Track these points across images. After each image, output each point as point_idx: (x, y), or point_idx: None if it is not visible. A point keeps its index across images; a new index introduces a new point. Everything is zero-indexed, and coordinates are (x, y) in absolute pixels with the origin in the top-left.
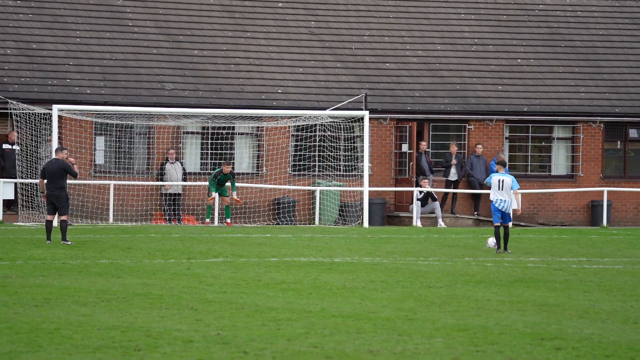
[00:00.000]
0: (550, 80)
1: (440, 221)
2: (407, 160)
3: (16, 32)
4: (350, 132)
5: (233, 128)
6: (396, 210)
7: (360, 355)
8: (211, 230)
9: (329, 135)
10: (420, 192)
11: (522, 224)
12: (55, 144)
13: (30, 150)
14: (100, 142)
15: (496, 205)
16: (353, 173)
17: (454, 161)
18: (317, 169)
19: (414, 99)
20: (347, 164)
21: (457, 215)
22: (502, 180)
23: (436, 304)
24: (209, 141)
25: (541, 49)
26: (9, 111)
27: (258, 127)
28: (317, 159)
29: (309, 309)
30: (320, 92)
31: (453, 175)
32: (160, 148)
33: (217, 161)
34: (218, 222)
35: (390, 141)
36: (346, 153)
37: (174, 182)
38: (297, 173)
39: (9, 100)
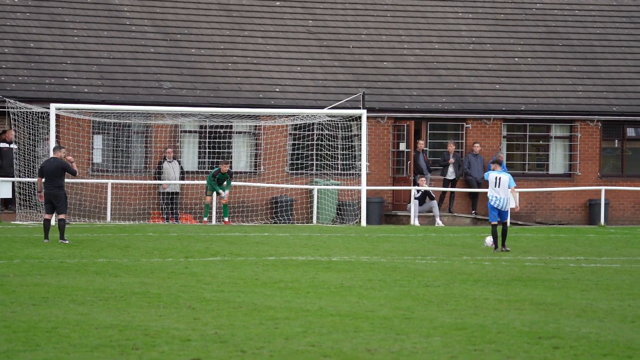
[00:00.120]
0: (548, 79)
1: (437, 220)
2: (404, 159)
3: (14, 30)
4: (348, 131)
5: (231, 127)
6: (394, 209)
7: (358, 354)
8: (209, 229)
9: (326, 134)
10: (418, 190)
11: (519, 222)
12: (52, 142)
13: (27, 148)
14: (97, 140)
15: (492, 203)
16: (351, 172)
17: (451, 160)
18: (314, 167)
19: (411, 98)
20: (344, 162)
21: (455, 214)
22: (499, 178)
23: (434, 303)
24: (207, 140)
25: (539, 48)
26: (6, 110)
27: (256, 126)
28: (314, 157)
29: (306, 308)
30: (318, 90)
31: (451, 174)
32: (158, 147)
33: (215, 160)
34: (216, 221)
35: (388, 140)
36: (344, 152)
37: (171, 181)
38: (294, 172)
39: (7, 99)
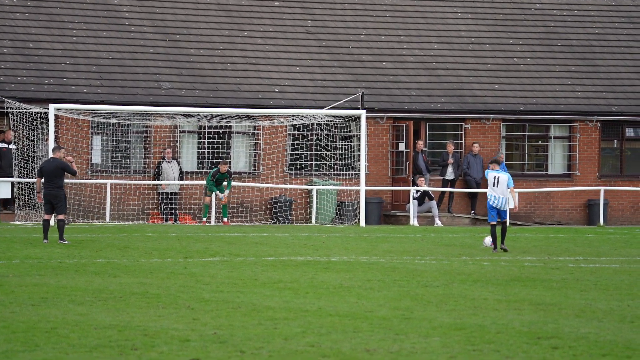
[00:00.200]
0: (547, 79)
1: (437, 220)
2: (403, 159)
3: (12, 31)
4: (347, 131)
5: (230, 127)
6: (393, 209)
7: (357, 355)
8: (208, 230)
9: (325, 134)
10: (417, 191)
11: (518, 223)
12: (52, 143)
13: (26, 149)
14: (96, 141)
15: (491, 202)
16: (350, 172)
17: (450, 160)
18: (313, 168)
19: (410, 98)
20: (343, 163)
21: (454, 214)
22: (497, 178)
23: (433, 303)
24: (206, 140)
25: (538, 48)
26: (5, 110)
27: (255, 126)
28: (313, 158)
29: (305, 308)
30: (317, 91)
31: (450, 174)
32: (157, 147)
33: (214, 160)
34: (215, 221)
35: (387, 140)
36: (343, 152)
37: (170, 182)
38: (293, 172)
39: (6, 99)
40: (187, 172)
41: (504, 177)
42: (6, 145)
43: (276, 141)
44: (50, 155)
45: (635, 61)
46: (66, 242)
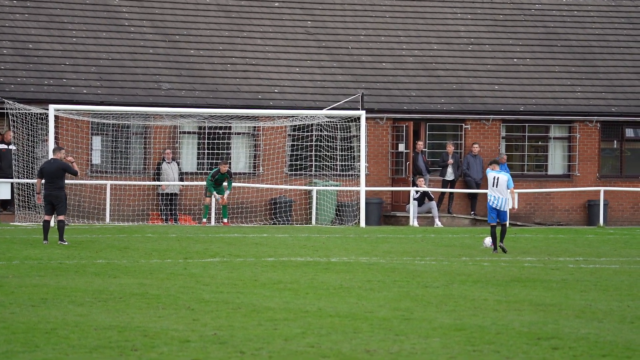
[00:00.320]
0: (547, 79)
1: (437, 221)
2: (403, 160)
3: (12, 32)
4: (347, 132)
5: (229, 128)
6: (393, 210)
7: (357, 355)
8: (208, 230)
9: (325, 135)
10: (417, 191)
11: (518, 223)
12: (51, 143)
13: (26, 150)
14: (96, 142)
15: (490, 202)
16: (350, 173)
17: (450, 161)
18: (313, 168)
19: (410, 99)
20: (343, 163)
21: (454, 215)
22: (497, 178)
23: (433, 304)
24: (206, 141)
25: (537, 49)
26: (5, 111)
27: (254, 127)
28: (313, 158)
29: (305, 309)
30: (317, 91)
31: (450, 174)
32: (157, 148)
33: (214, 161)
34: (215, 222)
35: (387, 141)
36: (343, 153)
37: (170, 182)
38: (293, 173)
39: (5, 100)
40: (187, 173)
41: (504, 177)
42: (6, 146)
43: (276, 142)
44: (51, 156)
45: (635, 62)
46: (66, 243)
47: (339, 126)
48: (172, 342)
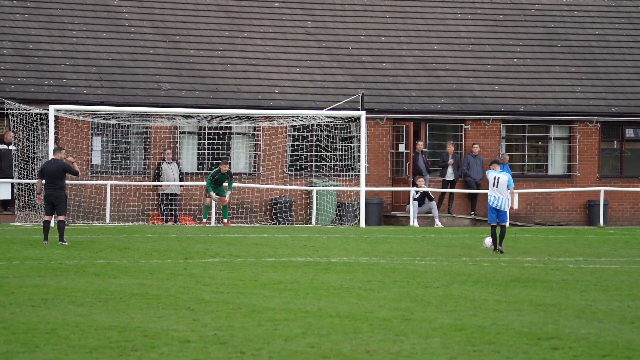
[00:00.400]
0: (547, 79)
1: (437, 221)
2: (403, 160)
3: (12, 32)
4: (347, 132)
5: (230, 128)
6: (393, 210)
7: (357, 356)
8: (208, 231)
9: (325, 135)
10: (417, 191)
11: (518, 223)
12: (51, 144)
13: (26, 150)
14: (96, 142)
15: (490, 202)
16: (350, 173)
17: (450, 161)
18: (314, 169)
19: (410, 99)
20: (343, 164)
21: (454, 215)
22: (498, 178)
23: (433, 304)
24: (206, 141)
25: (538, 49)
26: (5, 111)
27: (255, 127)
28: (314, 159)
29: (305, 309)
30: (317, 92)
31: (450, 175)
32: (157, 148)
33: (214, 161)
34: (215, 222)
35: (387, 141)
36: (343, 153)
37: (170, 183)
38: (294, 173)
39: (6, 101)
40: (187, 173)
41: (505, 177)
42: (6, 147)
43: (276, 142)
44: (51, 156)
45: (635, 62)
46: (66, 243)
47: (339, 126)
48: (172, 343)
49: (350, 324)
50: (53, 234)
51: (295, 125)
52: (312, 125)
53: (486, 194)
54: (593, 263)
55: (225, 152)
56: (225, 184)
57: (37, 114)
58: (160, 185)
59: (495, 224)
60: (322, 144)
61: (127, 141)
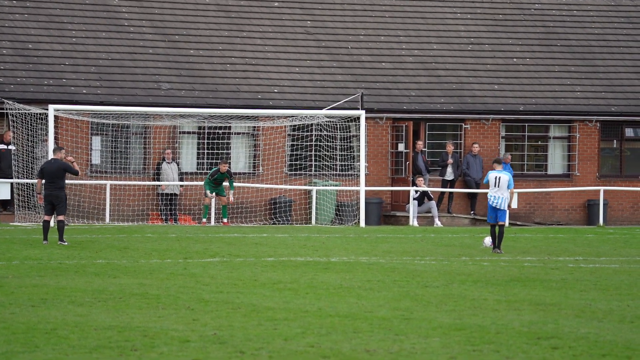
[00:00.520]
0: (546, 79)
1: (436, 220)
2: (403, 159)
3: (12, 32)
4: (347, 132)
5: (229, 128)
6: (393, 209)
7: (357, 355)
8: (208, 230)
9: (325, 134)
10: (417, 191)
11: (518, 223)
12: (51, 144)
13: (26, 150)
14: (96, 142)
15: (490, 201)
16: (349, 173)
17: (450, 160)
18: (313, 168)
19: (410, 99)
20: (343, 163)
21: (454, 215)
22: (499, 178)
23: (433, 304)
24: (205, 141)
25: (537, 48)
26: (5, 111)
27: (254, 127)
28: (313, 158)
29: (305, 309)
30: (317, 91)
31: (449, 174)
32: (157, 148)
33: (214, 161)
34: (215, 222)
35: (387, 141)
36: (342, 153)
37: (170, 182)
38: (293, 173)
39: (5, 100)
40: (186, 173)
41: (505, 177)
42: (5, 146)
43: (276, 142)
44: (51, 156)
45: (634, 61)
46: (66, 243)
47: (338, 126)
48: (172, 342)
49: (349, 324)
50: (53, 234)
51: (295, 125)
52: (311, 124)
53: (485, 194)
54: (593, 262)
55: (224, 151)
56: (226, 183)
57: (37, 113)
58: (159, 185)
59: (494, 223)
60: (321, 143)
61: (126, 141)
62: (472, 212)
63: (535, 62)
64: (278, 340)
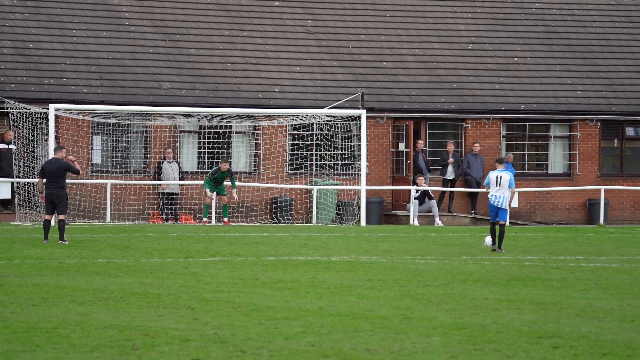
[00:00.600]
0: (547, 78)
1: (437, 220)
2: (404, 159)
3: (12, 31)
4: (347, 131)
5: (230, 127)
6: (393, 209)
7: (358, 354)
8: (208, 229)
9: (326, 134)
10: (417, 190)
11: (519, 222)
12: (52, 143)
13: (26, 149)
14: (97, 141)
15: (491, 201)
16: (350, 172)
17: (450, 160)
18: (314, 167)
19: (410, 98)
20: (344, 162)
21: (454, 214)
22: (500, 177)
23: (433, 303)
24: (206, 140)
25: (538, 47)
26: (5, 110)
27: (255, 126)
28: (314, 157)
29: (306, 308)
30: (317, 90)
31: (450, 173)
32: (157, 147)
33: (214, 160)
34: (215, 221)
35: (387, 140)
36: (343, 152)
37: (170, 182)
38: (294, 172)
39: (6, 100)
40: (187, 172)
41: (506, 176)
42: (6, 146)
43: (276, 141)
44: (52, 155)
45: (635, 60)
46: (66, 242)
47: (339, 125)
48: (172, 341)
49: (350, 323)
50: (53, 233)
51: (296, 124)
52: (312, 124)
53: (486, 193)
54: (593, 262)
55: (225, 151)
56: (227, 182)
57: (37, 113)
58: (160, 184)
59: (495, 222)
60: (322, 142)
61: (127, 140)
62: (472, 211)
63: (536, 62)
64: (279, 339)
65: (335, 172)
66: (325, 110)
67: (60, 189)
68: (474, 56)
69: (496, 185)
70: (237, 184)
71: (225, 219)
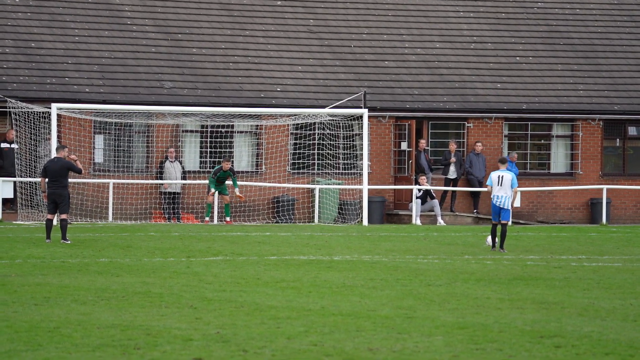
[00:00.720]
0: (549, 78)
1: (439, 219)
2: (406, 158)
3: (15, 30)
4: (350, 130)
5: (232, 126)
6: (395, 208)
7: (360, 354)
8: (211, 229)
9: (328, 133)
10: (419, 190)
11: (521, 221)
12: (54, 142)
13: (29, 148)
14: (99, 140)
15: (493, 200)
16: (352, 171)
17: (453, 159)
18: (316, 167)
19: (413, 97)
20: (346, 162)
21: (456, 213)
22: (502, 177)
23: (436, 302)
24: (208, 140)
25: (540, 47)
26: (7, 110)
27: (257, 126)
28: (316, 157)
29: (308, 308)
30: (319, 90)
31: (452, 173)
32: (159, 146)
33: (216, 159)
34: (217, 221)
35: (390, 139)
36: (345, 151)
37: (173, 181)
38: (296, 171)
39: (8, 99)
40: (189, 172)
41: (508, 176)
42: (8, 145)
43: (278, 140)
44: (54, 154)
45: (637, 60)
46: (69, 241)
47: (341, 124)
48: (174, 341)
49: (352, 322)
50: (56, 233)
51: (298, 124)
52: (314, 123)
53: (488, 193)
54: (596, 261)
55: (227, 150)
56: (229, 182)
57: (40, 112)
58: (162, 184)
59: (496, 222)
60: (324, 142)
61: (129, 139)
62: (475, 210)
63: (538, 61)
64: (281, 338)
65: (338, 171)
66: (327, 110)
67: (62, 188)
68: (476, 55)
69: (498, 185)
70: (240, 183)
71: (228, 219)
